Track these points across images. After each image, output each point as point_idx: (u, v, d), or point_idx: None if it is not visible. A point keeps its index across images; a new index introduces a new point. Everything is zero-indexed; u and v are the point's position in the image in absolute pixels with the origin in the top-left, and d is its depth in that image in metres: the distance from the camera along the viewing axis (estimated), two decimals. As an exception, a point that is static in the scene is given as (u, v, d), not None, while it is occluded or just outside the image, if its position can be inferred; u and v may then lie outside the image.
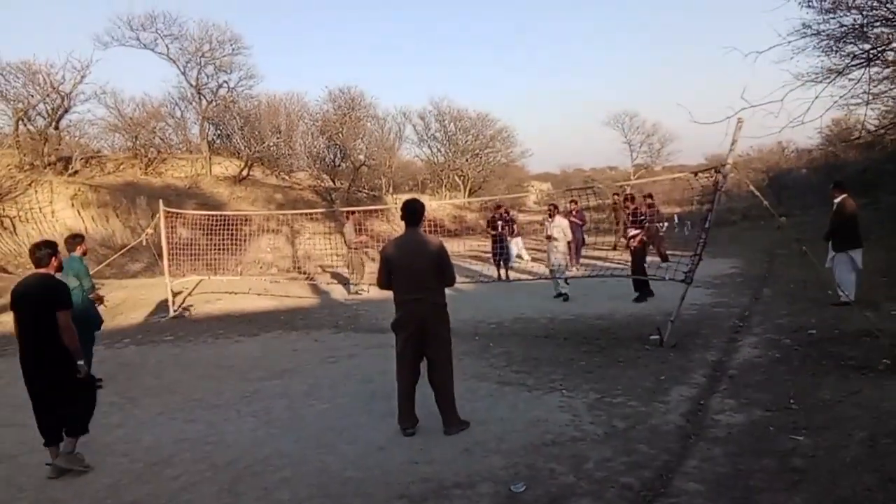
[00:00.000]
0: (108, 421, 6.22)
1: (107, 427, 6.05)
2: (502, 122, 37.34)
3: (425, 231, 5.97)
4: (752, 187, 9.55)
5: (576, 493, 4.14)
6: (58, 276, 5.28)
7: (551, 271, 11.95)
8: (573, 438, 5.08)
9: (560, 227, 11.86)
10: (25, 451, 5.56)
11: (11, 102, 22.72)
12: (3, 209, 19.05)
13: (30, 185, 20.20)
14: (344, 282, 14.69)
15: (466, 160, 35.17)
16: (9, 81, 22.49)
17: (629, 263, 11.43)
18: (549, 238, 11.95)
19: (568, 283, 11.91)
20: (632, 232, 11.14)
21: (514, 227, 16.00)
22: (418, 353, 5.38)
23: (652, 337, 8.14)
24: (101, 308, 8.14)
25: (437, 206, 26.96)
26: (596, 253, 16.59)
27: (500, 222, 14.78)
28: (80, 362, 4.96)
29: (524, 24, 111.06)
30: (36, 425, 5.07)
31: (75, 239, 7.90)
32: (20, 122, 22.53)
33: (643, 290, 10.99)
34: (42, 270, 5.11)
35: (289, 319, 11.34)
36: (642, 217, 11.28)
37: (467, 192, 34.74)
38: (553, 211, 12.37)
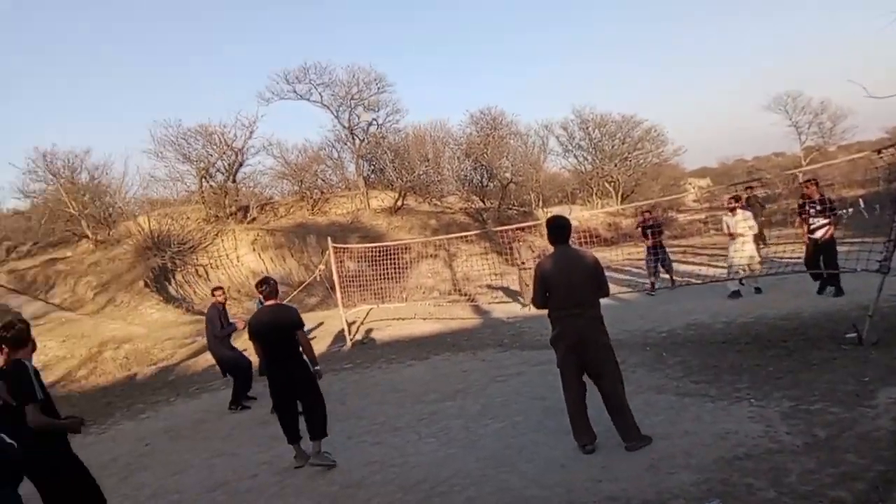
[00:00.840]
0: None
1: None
2: (649, 122, 35.87)
3: (579, 243, 5.89)
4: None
5: (778, 509, 3.85)
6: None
7: (729, 269, 11.26)
8: (769, 451, 4.72)
9: (746, 222, 11.10)
10: (235, 479, 6.18)
11: (194, 163, 25.64)
12: (197, 259, 21.43)
13: (216, 235, 22.60)
14: (507, 300, 14.83)
15: (615, 165, 34.26)
16: (191, 144, 25.45)
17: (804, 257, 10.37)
18: (732, 235, 11.21)
19: (743, 284, 11.16)
20: (819, 222, 9.98)
21: (661, 231, 14.17)
22: (580, 367, 5.30)
23: (848, 335, 7.37)
24: None
25: (589, 216, 26.45)
26: (772, 248, 15.35)
27: (647, 229, 13.53)
28: (318, 367, 6.17)
29: (661, 13, 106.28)
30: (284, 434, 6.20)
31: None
32: (203, 180, 25.33)
33: (837, 284, 9.92)
34: (271, 302, 6.20)
35: (455, 341, 11.64)
36: (831, 204, 10.08)
37: (619, 198, 33.77)
38: (734, 204, 11.50)
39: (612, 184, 34.53)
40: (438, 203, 30.17)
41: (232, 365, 9.25)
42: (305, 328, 6.52)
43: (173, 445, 7.82)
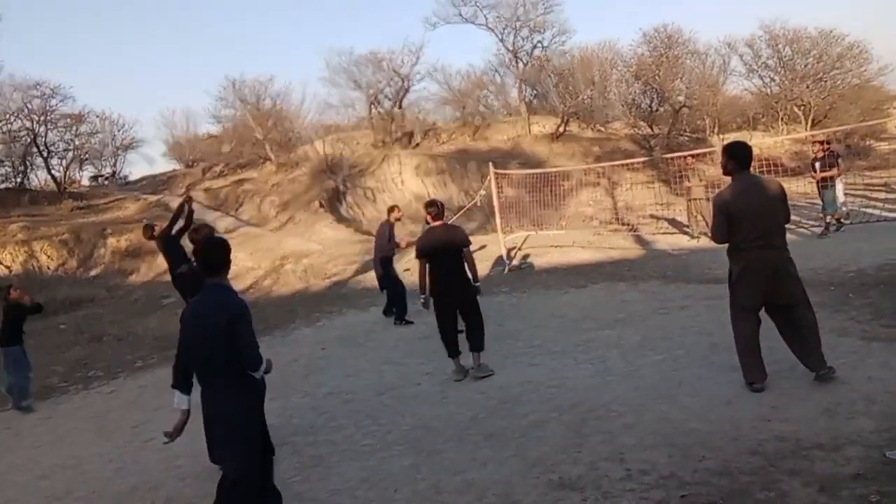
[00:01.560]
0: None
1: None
2: (852, 38, 31.44)
3: (759, 174, 5.45)
4: None
5: (980, 467, 3.46)
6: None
7: None
8: (972, 405, 4.23)
9: None
10: (402, 384, 6.64)
11: (364, 90, 26.63)
12: (366, 182, 22.56)
13: (383, 159, 23.56)
14: (672, 232, 14.21)
15: (807, 87, 30.65)
16: (361, 72, 26.38)
17: None
18: None
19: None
20: None
21: (838, 164, 12.10)
22: (763, 302, 4.99)
23: None
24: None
25: (772, 143, 24.22)
26: None
27: (816, 162, 11.87)
28: (478, 283, 6.59)
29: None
30: (446, 348, 6.66)
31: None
32: (371, 106, 26.30)
33: None
34: (439, 222, 6.57)
35: (615, 271, 11.40)
36: None
37: (809, 124, 30.40)
38: None
39: (803, 108, 31.07)
40: (602, 129, 29.02)
41: (391, 281, 9.86)
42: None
43: (346, 351, 8.53)
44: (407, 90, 26.64)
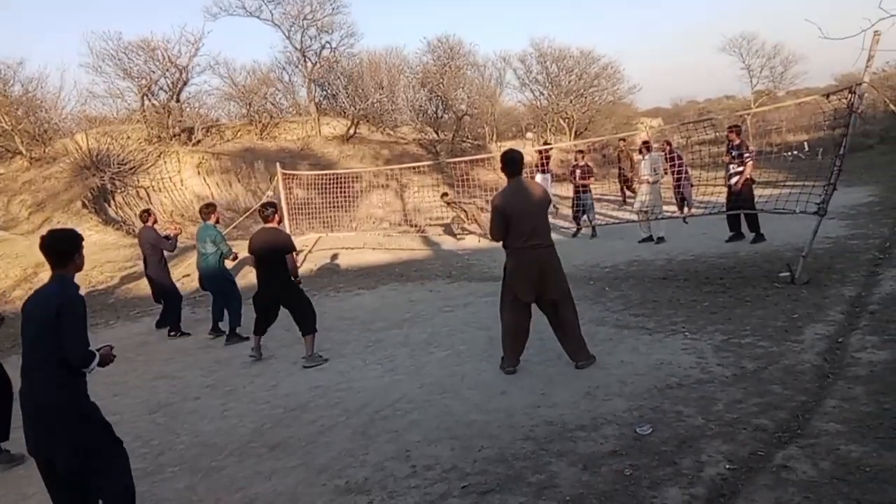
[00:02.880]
0: (248, 371, 6.76)
1: (247, 377, 6.57)
2: (607, 58, 35.48)
3: (531, 178, 6.04)
4: (892, 106, 8.65)
5: (705, 434, 4.06)
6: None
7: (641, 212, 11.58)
8: (700, 381, 4.95)
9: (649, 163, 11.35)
10: (178, 400, 6.15)
11: (136, 79, 24.33)
12: (138, 180, 20.67)
13: (159, 156, 21.74)
14: (456, 233, 14.89)
15: (570, 101, 34.04)
16: (132, 60, 24.03)
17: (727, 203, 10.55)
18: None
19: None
20: (733, 169, 9.95)
21: (576, 172, 13.15)
22: (535, 295, 5.49)
23: (782, 274, 7.70)
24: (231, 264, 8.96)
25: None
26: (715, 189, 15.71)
27: (577, 170, 13.21)
28: (297, 278, 6.88)
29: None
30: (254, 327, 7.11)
31: (208, 208, 8.60)
32: (145, 98, 24.14)
33: (756, 230, 10.17)
34: (269, 225, 6.83)
35: (404, 271, 11.67)
36: (747, 151, 10.13)
37: (573, 135, 33.80)
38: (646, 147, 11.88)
39: (567, 120, 34.48)
40: (391, 133, 29.59)
41: (170, 291, 9.13)
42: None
43: (114, 367, 7.63)
44: (185, 83, 24.74)
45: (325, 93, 29.88)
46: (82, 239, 3.70)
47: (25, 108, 23.23)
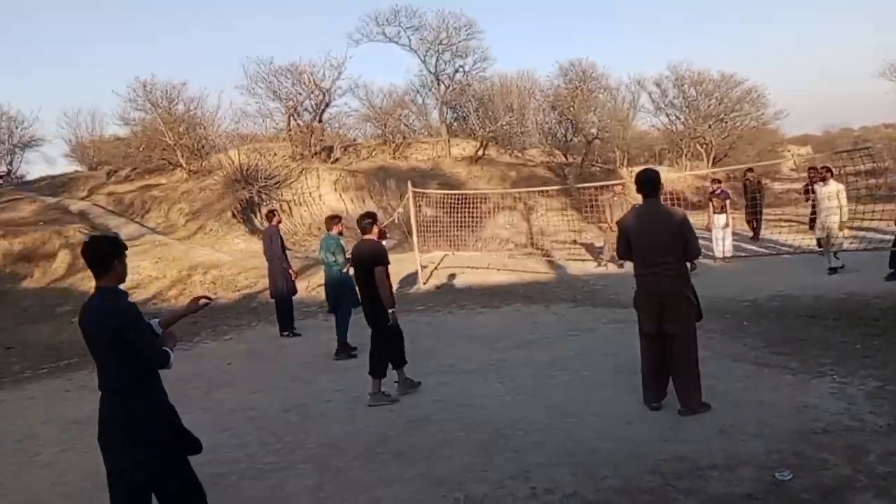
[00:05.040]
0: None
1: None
2: (750, 82, 33.74)
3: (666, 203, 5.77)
4: None
5: (854, 486, 3.72)
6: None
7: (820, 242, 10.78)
8: (849, 428, 4.55)
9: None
10: (310, 402, 6.48)
11: (283, 101, 26.19)
12: (281, 194, 22.11)
13: (301, 172, 23.17)
14: (584, 258, 14.66)
15: (709, 126, 32.63)
16: (281, 83, 25.92)
17: None
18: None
19: (838, 257, 10.60)
20: None
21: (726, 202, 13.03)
22: (659, 327, 5.14)
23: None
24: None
25: (676, 178, 25.53)
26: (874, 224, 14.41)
27: (714, 198, 13.15)
28: (391, 310, 6.26)
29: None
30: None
31: (333, 220, 9.08)
32: (291, 118, 25.87)
33: None
34: (367, 236, 6.48)
35: (528, 293, 11.63)
36: None
37: (711, 161, 32.31)
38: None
39: (705, 146, 33.04)
40: (520, 155, 29.74)
41: (279, 290, 9.96)
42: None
43: (253, 367, 8.25)
44: (328, 104, 26.35)
45: (455, 115, 30.64)
46: (125, 247, 3.49)
47: (187, 125, 25.60)
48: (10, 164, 32.21)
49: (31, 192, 27.92)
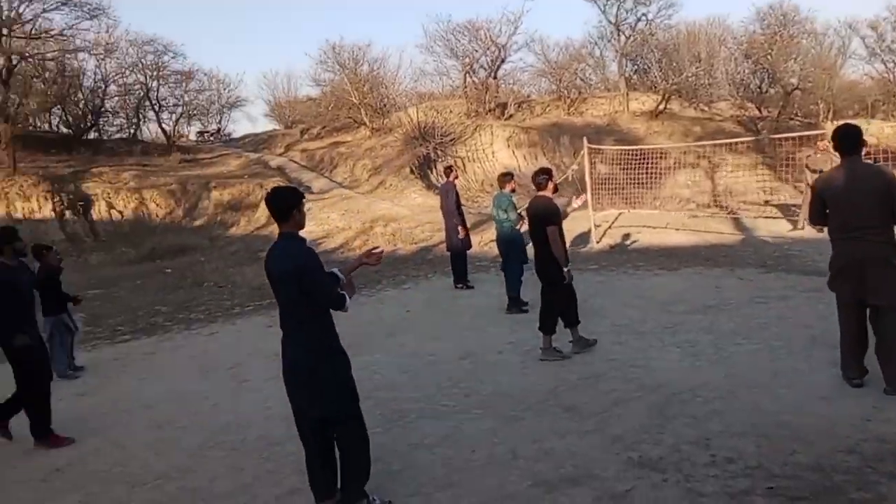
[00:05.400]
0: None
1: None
2: None
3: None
4: None
5: None
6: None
7: None
8: None
9: None
10: (483, 351, 6.71)
11: (460, 58, 26.56)
12: (456, 151, 22.62)
13: (475, 129, 23.51)
14: (776, 217, 13.51)
15: (938, 72, 28.22)
16: (458, 40, 26.27)
17: None
18: None
19: None
20: None
21: None
22: (859, 296, 4.64)
23: None
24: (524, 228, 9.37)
25: (893, 133, 22.46)
26: None
27: None
28: (566, 269, 6.17)
29: None
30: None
31: (505, 177, 9.09)
32: (467, 75, 26.20)
33: None
34: (542, 193, 6.33)
35: (710, 255, 10.98)
36: None
37: (937, 113, 28.01)
38: None
39: (931, 96, 28.66)
40: (706, 109, 27.71)
41: (453, 245, 10.26)
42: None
43: (430, 315, 8.68)
44: (503, 60, 26.31)
45: (635, 67, 29.23)
46: (302, 196, 3.70)
47: (370, 84, 26.90)
48: (219, 122, 36.04)
49: (237, 148, 31.12)
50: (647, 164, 14.81)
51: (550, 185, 6.37)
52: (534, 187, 6.55)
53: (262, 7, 73.21)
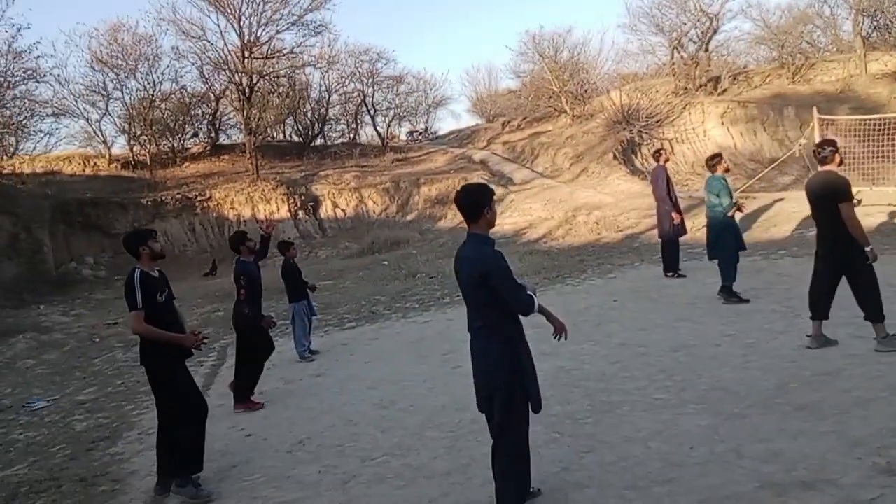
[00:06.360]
0: (771, 327, 6.53)
1: (770, 332, 6.36)
2: None
3: None
4: None
5: None
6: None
7: None
8: None
9: None
10: (699, 343, 6.37)
11: (667, 34, 25.22)
12: (663, 132, 21.56)
13: (684, 108, 22.22)
14: None
15: None
16: (664, 14, 24.97)
17: None
18: None
19: None
20: None
21: None
22: None
23: None
24: (739, 216, 8.68)
25: None
26: None
27: None
28: (868, 248, 5.45)
29: None
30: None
31: (714, 159, 8.46)
32: (674, 51, 24.80)
33: None
34: (824, 168, 5.71)
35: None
36: None
37: None
38: None
39: None
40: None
41: (664, 233, 9.94)
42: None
43: (639, 304, 8.43)
44: (715, 31, 24.47)
45: (875, 23, 25.51)
46: (492, 192, 3.66)
47: (570, 71, 26.63)
48: (427, 121, 38.02)
49: (443, 145, 32.59)
50: (892, 133, 12.97)
51: (837, 158, 5.70)
52: (816, 161, 5.85)
53: (463, 3, 75.79)
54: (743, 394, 4.92)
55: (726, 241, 8.07)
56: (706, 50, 24.52)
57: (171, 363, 4.65)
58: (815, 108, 12.61)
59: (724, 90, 23.57)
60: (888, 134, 13.02)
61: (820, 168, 5.76)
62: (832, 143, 5.79)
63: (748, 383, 5.11)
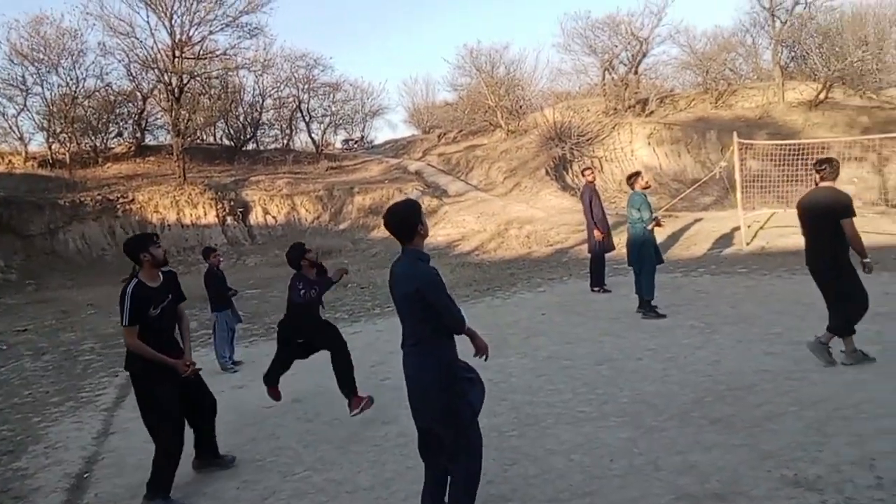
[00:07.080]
0: (690, 342, 6.75)
1: (689, 347, 6.57)
2: None
3: None
4: None
5: None
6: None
7: None
8: None
9: None
10: (622, 357, 6.52)
11: (599, 55, 26.01)
12: (593, 150, 22.17)
13: (613, 128, 22.93)
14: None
15: None
16: (597, 36, 25.78)
17: None
18: None
19: None
20: None
21: None
22: None
23: None
24: (658, 231, 9.05)
25: None
26: None
27: None
28: (867, 260, 5.61)
29: None
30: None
31: (634, 176, 8.83)
32: (605, 72, 25.61)
33: None
34: (824, 183, 5.69)
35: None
36: None
37: None
38: None
39: None
40: (874, 97, 25.13)
41: (592, 248, 10.18)
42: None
43: (566, 318, 8.58)
44: (644, 54, 25.48)
45: (792, 54, 27.10)
46: (419, 206, 3.62)
47: (506, 86, 27.04)
48: (363, 130, 37.82)
49: (378, 154, 32.46)
50: (805, 158, 13.72)
51: (835, 174, 5.72)
52: (817, 177, 5.79)
53: (404, 15, 75.95)
54: (661, 407, 5.06)
55: (647, 254, 8.32)
56: (636, 72, 25.43)
57: (154, 381, 4.39)
58: (735, 133, 13.20)
59: (652, 112, 24.47)
60: (802, 159, 13.74)
61: (820, 184, 5.74)
62: (830, 160, 5.80)
63: (667, 397, 5.26)
